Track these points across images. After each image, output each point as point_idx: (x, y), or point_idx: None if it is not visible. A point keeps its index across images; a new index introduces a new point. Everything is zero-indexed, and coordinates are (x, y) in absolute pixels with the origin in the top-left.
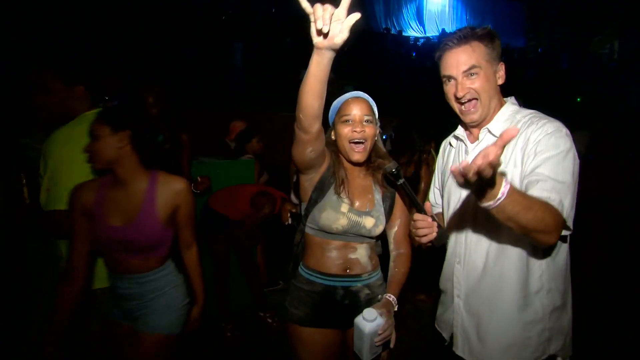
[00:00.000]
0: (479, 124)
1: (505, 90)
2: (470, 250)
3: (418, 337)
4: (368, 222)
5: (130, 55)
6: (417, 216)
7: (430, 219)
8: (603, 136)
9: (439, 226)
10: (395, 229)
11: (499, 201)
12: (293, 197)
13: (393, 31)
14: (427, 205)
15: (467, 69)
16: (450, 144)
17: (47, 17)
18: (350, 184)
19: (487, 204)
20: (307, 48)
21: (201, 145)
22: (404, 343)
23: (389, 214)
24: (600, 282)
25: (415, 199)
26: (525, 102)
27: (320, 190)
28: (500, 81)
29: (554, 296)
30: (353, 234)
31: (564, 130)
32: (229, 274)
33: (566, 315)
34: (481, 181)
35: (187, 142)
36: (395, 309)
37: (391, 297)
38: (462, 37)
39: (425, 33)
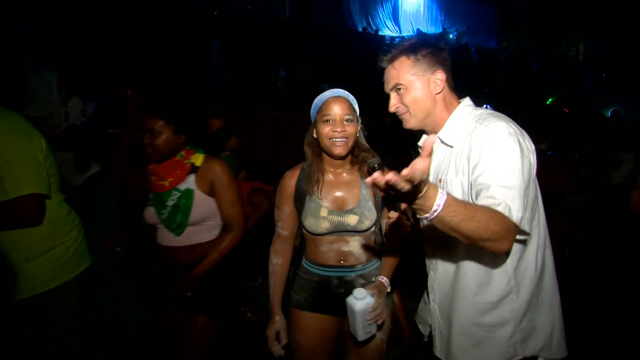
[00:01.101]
0: (432, 131)
1: (477, 91)
2: (439, 259)
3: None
4: (351, 219)
5: (106, 51)
6: (392, 214)
7: (404, 218)
8: (564, 134)
9: (412, 227)
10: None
11: (435, 213)
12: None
13: (369, 30)
14: (402, 206)
15: (392, 87)
16: (417, 151)
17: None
18: (332, 182)
19: (424, 215)
20: (285, 46)
21: None
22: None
23: (382, 205)
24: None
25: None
26: (496, 102)
27: (299, 201)
28: (438, 89)
29: (525, 298)
30: (340, 231)
31: (508, 129)
32: None
33: (545, 315)
34: (403, 195)
35: None
36: (388, 290)
37: (383, 279)
38: (390, 57)
39: (400, 33)
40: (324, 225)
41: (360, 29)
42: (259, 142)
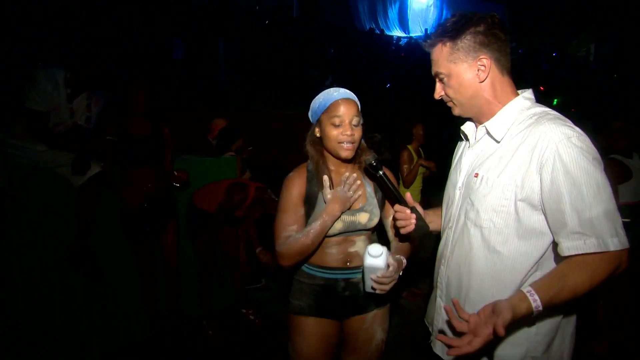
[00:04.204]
0: (478, 120)
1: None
2: (454, 254)
3: (398, 333)
4: (362, 217)
5: (108, 48)
6: (396, 207)
7: (408, 211)
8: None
9: (418, 218)
10: (391, 218)
11: (539, 309)
12: None
13: (377, 30)
14: (407, 196)
15: (435, 75)
16: (461, 137)
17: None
18: (338, 182)
19: (534, 314)
20: (289, 46)
21: (182, 143)
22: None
23: (382, 204)
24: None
25: (394, 190)
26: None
27: (309, 204)
28: (482, 76)
29: (546, 328)
30: (350, 231)
31: (575, 138)
32: (213, 271)
33: (564, 351)
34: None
35: (169, 136)
36: (401, 273)
37: (404, 259)
38: (430, 43)
39: (409, 33)
40: (338, 226)
41: (367, 29)
42: (264, 142)
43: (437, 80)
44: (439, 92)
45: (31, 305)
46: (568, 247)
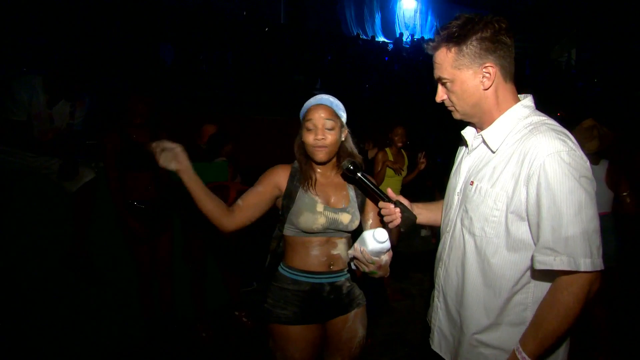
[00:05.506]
0: (479, 125)
1: None
2: (450, 258)
3: (388, 332)
4: (345, 218)
5: (102, 54)
6: (380, 204)
7: (392, 206)
8: None
9: (403, 211)
10: (370, 221)
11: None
12: None
13: (363, 36)
14: (388, 191)
15: (437, 79)
16: (461, 141)
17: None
18: (323, 183)
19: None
20: (279, 52)
21: None
22: (375, 337)
23: (362, 208)
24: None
25: (376, 189)
26: None
27: (289, 198)
28: (487, 83)
29: None
30: (332, 230)
31: (565, 153)
32: (206, 273)
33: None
34: None
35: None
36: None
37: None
38: (432, 46)
39: (396, 37)
40: (320, 221)
41: (354, 35)
42: (253, 146)
43: (439, 84)
44: (440, 95)
45: (28, 308)
46: (539, 260)
